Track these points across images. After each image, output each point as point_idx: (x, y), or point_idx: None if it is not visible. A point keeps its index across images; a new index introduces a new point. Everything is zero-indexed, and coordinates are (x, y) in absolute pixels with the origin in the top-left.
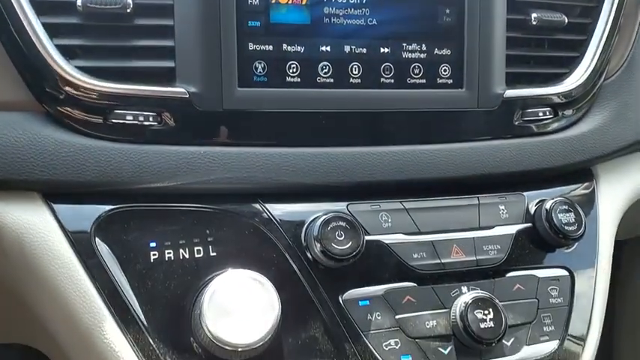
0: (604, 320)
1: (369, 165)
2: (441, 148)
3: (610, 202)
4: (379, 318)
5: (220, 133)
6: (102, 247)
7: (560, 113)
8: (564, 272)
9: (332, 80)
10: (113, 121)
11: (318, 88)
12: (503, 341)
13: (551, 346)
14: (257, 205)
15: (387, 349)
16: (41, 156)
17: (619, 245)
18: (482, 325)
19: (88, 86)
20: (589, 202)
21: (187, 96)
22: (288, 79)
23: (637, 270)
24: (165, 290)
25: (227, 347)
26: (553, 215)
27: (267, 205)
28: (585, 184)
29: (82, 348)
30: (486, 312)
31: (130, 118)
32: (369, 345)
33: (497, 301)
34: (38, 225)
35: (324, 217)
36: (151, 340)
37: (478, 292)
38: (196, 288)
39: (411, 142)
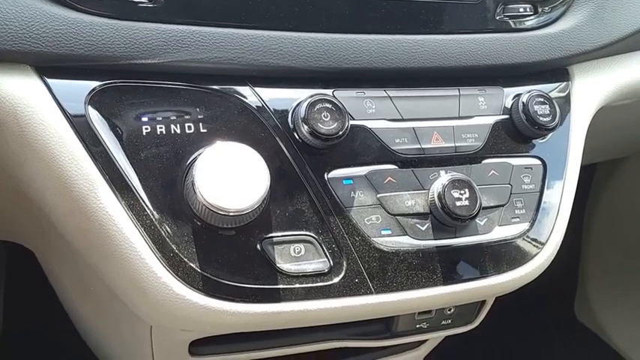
0: (574, 228)
1: (355, 52)
2: (424, 39)
3: (583, 102)
4: (362, 196)
5: (209, 14)
6: (94, 119)
7: (539, 10)
8: (537, 161)
9: None
10: None
11: None
12: (477, 220)
13: (522, 227)
14: (246, 88)
15: (368, 223)
16: (33, 28)
17: (591, 167)
18: (458, 204)
19: None
20: (564, 99)
21: None
22: None
23: (605, 189)
24: (157, 162)
25: (219, 212)
26: (529, 107)
27: (257, 88)
28: (561, 83)
29: (76, 216)
30: (462, 192)
31: None
32: (352, 219)
33: (472, 182)
34: (32, 96)
35: (310, 99)
36: (144, 206)
37: (455, 174)
38: (188, 159)
39: (397, 31)
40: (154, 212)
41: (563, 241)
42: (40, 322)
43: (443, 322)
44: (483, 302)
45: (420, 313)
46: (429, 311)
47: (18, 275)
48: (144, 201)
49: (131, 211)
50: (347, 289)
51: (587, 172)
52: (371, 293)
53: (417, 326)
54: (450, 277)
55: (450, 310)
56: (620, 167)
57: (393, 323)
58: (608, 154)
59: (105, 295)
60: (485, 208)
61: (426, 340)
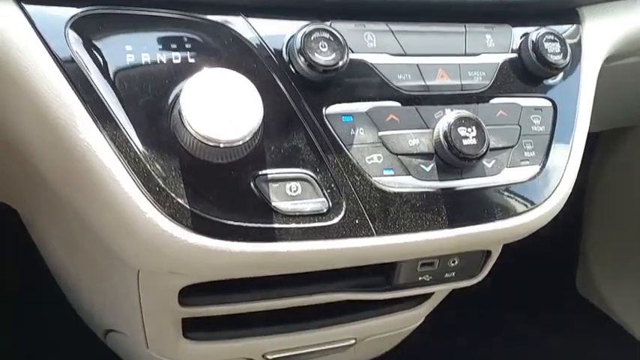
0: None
1: None
2: None
3: (594, 45)
4: (362, 133)
5: None
6: (75, 47)
7: None
8: (548, 103)
9: None
10: None
11: None
12: (484, 162)
13: (531, 170)
14: (239, 18)
15: (369, 162)
16: None
17: (594, 136)
18: (465, 142)
19: None
20: (574, 40)
21: None
22: None
23: (609, 159)
24: (142, 91)
25: (208, 143)
26: (539, 45)
27: (250, 19)
28: (571, 25)
29: (57, 150)
30: (469, 130)
31: None
32: (352, 158)
33: (480, 120)
34: (9, 24)
35: (306, 28)
36: (128, 137)
37: (462, 112)
38: (175, 90)
39: None
40: (138, 144)
41: (564, 212)
42: (22, 284)
43: (446, 275)
44: (489, 254)
45: (422, 265)
46: (432, 263)
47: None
48: (127, 132)
49: (113, 143)
50: (347, 230)
51: (590, 141)
52: (372, 235)
53: (420, 279)
54: (456, 220)
55: (454, 261)
56: (623, 136)
57: (394, 275)
58: (611, 122)
59: (92, 247)
60: (492, 149)
61: (428, 299)
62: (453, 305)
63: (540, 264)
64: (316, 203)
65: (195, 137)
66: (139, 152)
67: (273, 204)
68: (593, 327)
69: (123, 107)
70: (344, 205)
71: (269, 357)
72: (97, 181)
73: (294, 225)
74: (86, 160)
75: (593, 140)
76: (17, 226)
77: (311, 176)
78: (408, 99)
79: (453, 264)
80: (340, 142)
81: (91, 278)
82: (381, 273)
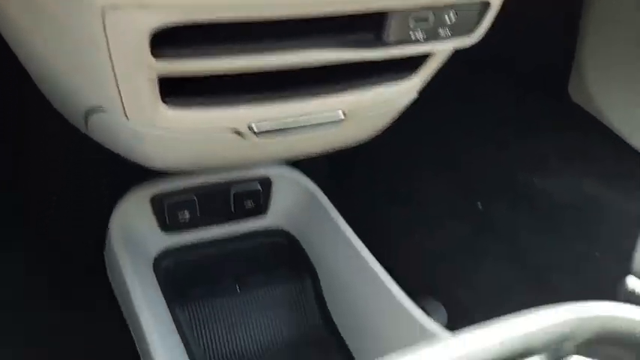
0: None
1: None
2: None
3: None
4: None
5: None
6: None
7: None
8: None
9: None
10: None
11: None
12: None
13: None
14: None
15: None
16: None
17: None
18: None
19: None
20: None
21: None
22: None
23: None
24: None
25: None
26: None
27: None
28: None
29: None
30: None
31: None
32: None
33: None
34: None
35: None
36: None
37: None
38: None
39: None
40: None
41: (559, 16)
42: None
43: (440, 32)
44: (486, 7)
45: (415, 21)
46: (426, 18)
47: None
48: None
49: None
50: None
51: None
52: None
53: (412, 36)
54: None
55: (448, 16)
56: None
57: (384, 30)
58: None
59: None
60: None
61: (420, 66)
62: (442, 111)
63: (530, 71)
64: None
65: None
66: None
67: None
68: (588, 138)
69: None
70: None
71: (255, 129)
72: None
73: None
74: None
75: None
76: None
77: None
78: None
79: (448, 20)
80: None
81: (59, 46)
82: (371, 29)
